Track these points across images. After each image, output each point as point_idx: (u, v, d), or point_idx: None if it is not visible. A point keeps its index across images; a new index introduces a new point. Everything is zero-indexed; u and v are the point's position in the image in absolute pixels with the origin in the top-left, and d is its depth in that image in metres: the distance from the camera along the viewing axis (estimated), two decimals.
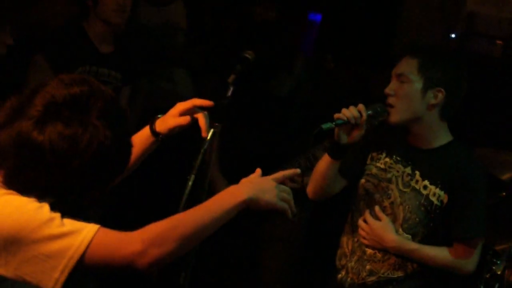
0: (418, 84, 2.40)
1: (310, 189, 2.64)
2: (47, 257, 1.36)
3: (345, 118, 2.34)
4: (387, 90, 2.44)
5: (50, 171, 1.41)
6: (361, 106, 2.37)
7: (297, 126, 3.17)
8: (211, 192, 2.86)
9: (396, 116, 2.41)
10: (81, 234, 1.38)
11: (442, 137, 2.46)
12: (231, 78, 2.53)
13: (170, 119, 1.96)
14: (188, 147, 2.76)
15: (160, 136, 1.96)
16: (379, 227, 2.47)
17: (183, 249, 1.48)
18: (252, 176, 1.73)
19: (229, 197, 1.59)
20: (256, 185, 1.66)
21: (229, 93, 2.50)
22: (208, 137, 2.44)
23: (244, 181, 1.68)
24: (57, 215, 1.39)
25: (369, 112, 2.37)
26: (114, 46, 3.27)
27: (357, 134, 2.38)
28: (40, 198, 1.43)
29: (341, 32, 4.16)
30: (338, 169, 2.50)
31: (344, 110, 2.35)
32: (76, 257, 1.37)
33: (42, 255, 1.36)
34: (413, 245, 2.45)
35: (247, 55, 2.54)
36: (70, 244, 1.37)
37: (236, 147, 3.20)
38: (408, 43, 3.31)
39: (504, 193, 3.42)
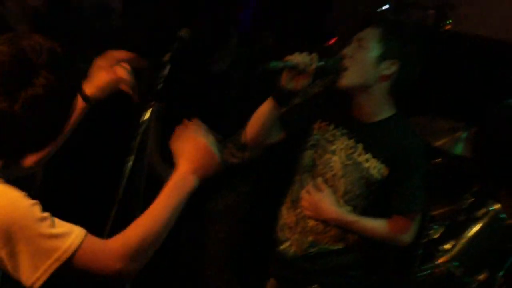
0: (375, 52, 2.44)
1: (247, 132, 2.65)
2: (33, 254, 1.39)
3: (295, 61, 2.36)
4: (345, 51, 2.48)
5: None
6: (314, 55, 2.40)
7: (236, 101, 3.22)
8: (150, 173, 2.90)
9: (347, 80, 2.44)
10: (70, 238, 1.42)
11: (386, 111, 2.51)
12: (167, 57, 2.57)
13: (96, 78, 1.99)
14: (127, 128, 2.79)
15: (91, 100, 1.96)
16: (320, 199, 2.52)
17: (152, 252, 1.55)
18: (187, 152, 1.73)
19: (180, 186, 1.63)
20: (198, 163, 1.69)
21: (166, 72, 2.54)
22: (146, 117, 2.48)
23: (181, 161, 1.69)
24: (48, 214, 1.42)
25: (321, 63, 2.40)
26: (31, 27, 3.23)
27: (303, 81, 2.40)
28: None
29: (278, 9, 4.22)
30: (279, 118, 2.53)
31: (295, 54, 2.38)
32: (62, 259, 1.41)
33: (29, 252, 1.39)
34: (353, 217, 2.51)
35: (182, 34, 2.59)
36: (58, 247, 1.40)
37: (174, 126, 3.25)
38: (346, 17, 3.37)
39: (438, 160, 3.56)
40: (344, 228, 2.54)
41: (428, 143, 3.35)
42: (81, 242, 1.43)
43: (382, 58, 2.43)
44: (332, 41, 3.66)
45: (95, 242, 1.48)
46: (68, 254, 1.41)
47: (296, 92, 2.44)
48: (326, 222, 2.54)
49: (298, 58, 2.37)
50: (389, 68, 2.42)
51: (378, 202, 2.52)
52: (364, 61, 2.47)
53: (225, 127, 3.18)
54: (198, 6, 3.51)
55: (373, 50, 2.45)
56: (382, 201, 2.52)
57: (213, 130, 2.90)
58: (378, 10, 3.53)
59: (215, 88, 3.24)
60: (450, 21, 3.77)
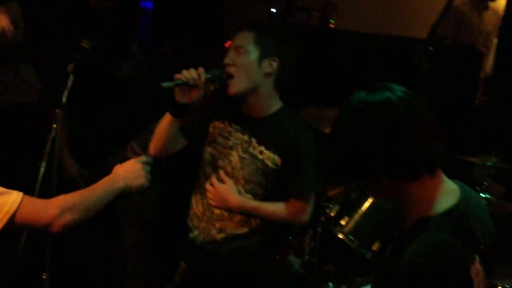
0: (254, 54, 2.55)
1: (152, 145, 2.78)
2: None
3: (184, 79, 2.48)
4: (226, 61, 2.59)
5: None
6: (200, 70, 2.51)
7: (139, 105, 3.35)
8: (62, 173, 3.02)
9: (235, 87, 2.57)
10: (13, 195, 1.68)
11: (273, 106, 2.65)
12: (70, 67, 2.71)
13: None
14: (37, 135, 2.88)
15: None
16: (224, 190, 2.65)
17: (84, 218, 1.86)
18: (125, 164, 2.16)
19: (112, 182, 2.04)
20: (129, 174, 2.12)
21: (70, 82, 2.68)
22: (54, 125, 2.62)
23: (118, 168, 2.12)
24: None
25: (208, 75, 2.52)
26: None
27: (195, 95, 2.52)
28: None
29: (175, 15, 4.36)
30: (180, 128, 2.64)
31: (184, 71, 2.49)
32: (11, 211, 1.63)
33: None
34: (254, 204, 2.65)
35: (83, 44, 2.75)
36: (5, 202, 1.64)
37: (85, 128, 3.35)
38: (238, 22, 3.57)
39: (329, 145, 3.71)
40: (247, 214, 2.66)
41: (320, 130, 3.49)
42: (23, 197, 1.69)
43: (261, 58, 2.57)
44: (228, 43, 3.84)
45: (35, 199, 1.78)
46: (15, 207, 1.65)
47: (191, 104, 2.56)
48: (230, 210, 2.67)
49: (186, 75, 2.49)
50: (270, 66, 2.56)
51: (276, 188, 2.66)
52: (247, 65, 2.59)
53: (131, 127, 3.33)
54: (98, 16, 3.62)
55: (252, 53, 2.58)
56: (280, 187, 2.65)
57: (118, 129, 3.04)
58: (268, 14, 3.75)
59: (118, 92, 3.36)
60: (333, 21, 4.09)
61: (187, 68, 2.54)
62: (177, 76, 2.50)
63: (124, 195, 2.27)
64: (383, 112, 1.70)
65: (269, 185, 2.66)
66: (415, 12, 5.06)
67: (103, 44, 3.32)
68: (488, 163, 3.54)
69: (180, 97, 2.51)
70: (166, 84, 2.48)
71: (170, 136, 2.66)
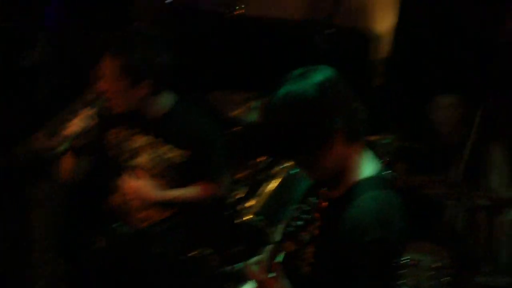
0: (125, 82, 2.58)
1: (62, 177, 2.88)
2: None
3: (76, 132, 2.58)
4: (101, 89, 2.63)
5: None
6: (90, 115, 2.61)
7: (47, 92, 3.36)
8: None
9: (118, 109, 2.65)
10: None
11: (167, 102, 2.72)
12: None
13: None
14: None
15: None
16: (142, 188, 2.74)
17: None
18: None
19: None
20: None
21: None
22: None
23: None
24: None
25: (93, 109, 2.60)
26: None
27: (91, 135, 2.64)
28: None
29: (79, 4, 4.39)
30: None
31: (73, 123, 2.59)
32: None
33: None
34: (173, 193, 2.78)
35: None
36: None
37: None
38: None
39: (235, 128, 3.85)
40: (169, 204, 2.79)
41: (226, 113, 3.70)
42: None
43: (133, 84, 2.59)
44: None
45: None
46: None
47: (91, 143, 2.67)
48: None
49: (75, 128, 2.59)
50: (144, 88, 2.61)
51: (189, 179, 2.79)
52: (121, 93, 2.62)
53: (40, 114, 3.35)
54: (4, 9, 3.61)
55: (123, 81, 2.59)
56: (195, 174, 2.80)
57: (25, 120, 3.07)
58: (166, 1, 3.79)
59: (25, 81, 3.37)
60: (238, 7, 4.21)
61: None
62: (67, 131, 2.59)
63: (33, 183, 2.31)
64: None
65: (183, 174, 2.78)
66: None
67: (8, 33, 3.35)
68: (386, 141, 3.75)
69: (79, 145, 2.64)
70: (62, 147, 2.57)
71: (75, 171, 2.79)
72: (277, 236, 2.11)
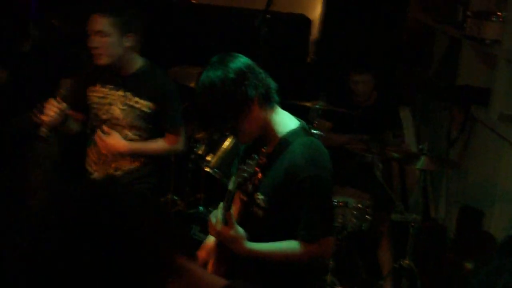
0: (114, 36, 2.85)
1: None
2: None
3: (50, 119, 2.81)
4: (92, 45, 2.86)
5: None
6: (53, 102, 2.82)
7: (41, 75, 3.66)
8: None
9: (103, 61, 2.88)
10: None
11: (137, 63, 3.00)
12: None
13: None
14: None
15: None
16: (111, 140, 3.00)
17: None
18: None
19: None
20: None
21: None
22: None
23: None
24: None
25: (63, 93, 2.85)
26: None
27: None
28: None
29: None
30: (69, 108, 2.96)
31: (47, 109, 2.80)
32: None
33: None
34: (139, 144, 3.02)
35: None
36: None
37: None
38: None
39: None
40: (134, 154, 3.01)
41: (186, 85, 3.96)
42: None
43: (121, 37, 2.88)
44: None
45: None
46: None
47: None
48: (121, 154, 3.00)
49: (50, 113, 2.80)
50: (128, 40, 2.90)
51: (155, 129, 3.05)
52: (110, 46, 2.88)
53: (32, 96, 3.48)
54: None
55: (112, 35, 2.87)
56: (158, 126, 3.05)
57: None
58: None
59: (23, 66, 3.65)
60: None
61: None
62: (42, 123, 2.80)
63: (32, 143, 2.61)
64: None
65: (150, 126, 3.02)
66: None
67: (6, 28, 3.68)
68: (317, 106, 4.07)
69: (71, 127, 2.94)
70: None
71: (64, 126, 2.97)
72: (231, 186, 2.17)
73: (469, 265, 3.75)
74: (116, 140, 2.99)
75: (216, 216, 2.20)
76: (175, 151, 3.23)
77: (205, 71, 2.11)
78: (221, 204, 2.21)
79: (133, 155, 3.05)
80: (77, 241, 1.07)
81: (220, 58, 2.15)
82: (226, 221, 2.14)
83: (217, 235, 2.20)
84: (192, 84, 3.88)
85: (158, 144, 3.09)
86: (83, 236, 1.07)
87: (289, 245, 2.22)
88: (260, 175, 2.19)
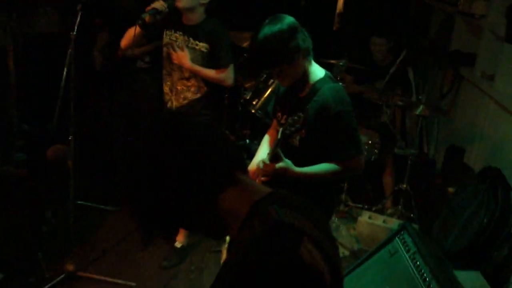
0: None
1: (122, 43, 3.43)
2: None
3: (157, 8, 3.18)
4: None
5: None
6: (162, 2, 3.22)
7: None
8: None
9: (181, 4, 3.26)
10: None
11: (202, 16, 3.38)
12: (79, 7, 3.42)
13: None
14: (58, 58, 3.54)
15: None
16: (182, 54, 3.34)
17: None
18: None
19: None
20: None
21: (78, 17, 3.35)
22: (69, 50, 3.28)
23: None
24: None
25: (169, 2, 3.25)
26: None
27: (160, 17, 3.22)
28: None
29: None
30: (144, 35, 3.40)
31: (155, 3, 3.19)
32: None
33: None
34: (198, 67, 3.36)
35: None
36: None
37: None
38: None
39: (245, 54, 4.62)
40: (195, 73, 3.36)
41: (239, 46, 4.39)
42: None
43: None
44: None
45: None
46: None
47: (155, 23, 3.25)
48: (187, 80, 3.40)
49: (157, 5, 3.20)
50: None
51: (211, 61, 3.40)
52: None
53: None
54: None
55: None
56: (212, 63, 3.39)
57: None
58: None
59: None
60: None
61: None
62: (149, 8, 3.19)
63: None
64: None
65: (206, 58, 3.39)
66: None
67: None
68: (341, 63, 4.47)
69: (149, 19, 3.24)
70: (144, 15, 3.21)
71: (136, 40, 3.37)
72: (279, 135, 2.29)
73: (452, 189, 4.10)
74: (184, 55, 3.42)
75: (258, 163, 2.41)
76: (223, 83, 3.49)
77: (266, 26, 2.26)
78: (260, 155, 2.48)
79: (196, 87, 3.47)
80: (169, 149, 1.25)
81: (275, 17, 2.31)
82: (277, 157, 2.31)
83: (269, 172, 2.33)
84: (245, 44, 4.55)
85: (211, 72, 3.46)
86: (172, 146, 1.26)
87: (328, 166, 2.41)
88: (303, 131, 2.35)
